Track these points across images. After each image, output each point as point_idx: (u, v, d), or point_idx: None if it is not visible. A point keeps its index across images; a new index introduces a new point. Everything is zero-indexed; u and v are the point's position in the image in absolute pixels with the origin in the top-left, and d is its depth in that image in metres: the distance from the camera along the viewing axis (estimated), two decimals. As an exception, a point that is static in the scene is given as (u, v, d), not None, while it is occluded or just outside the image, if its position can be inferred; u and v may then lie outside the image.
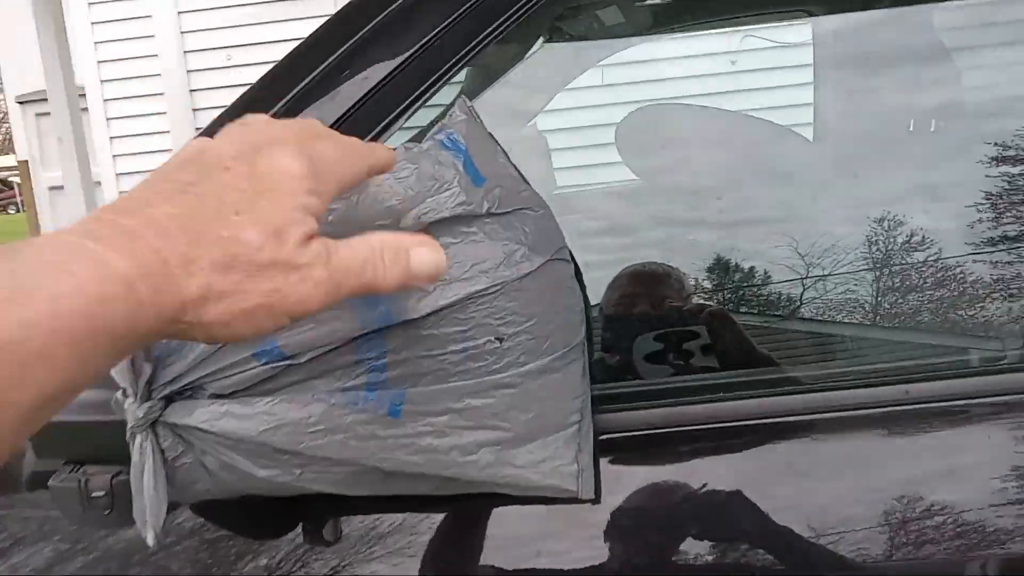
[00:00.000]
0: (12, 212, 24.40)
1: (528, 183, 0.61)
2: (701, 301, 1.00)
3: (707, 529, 0.62)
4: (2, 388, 0.28)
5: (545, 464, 0.59)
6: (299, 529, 0.64)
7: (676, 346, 0.88)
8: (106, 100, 4.47)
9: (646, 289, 0.96)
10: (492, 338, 0.56)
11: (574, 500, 0.61)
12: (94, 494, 0.58)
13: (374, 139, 0.64)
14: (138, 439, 0.54)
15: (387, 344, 0.55)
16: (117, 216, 0.34)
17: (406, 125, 0.67)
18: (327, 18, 0.70)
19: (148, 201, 0.35)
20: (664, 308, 0.94)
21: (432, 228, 0.54)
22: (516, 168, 0.61)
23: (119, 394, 0.56)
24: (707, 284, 1.03)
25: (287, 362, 0.54)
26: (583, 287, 0.66)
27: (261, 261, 0.35)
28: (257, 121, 0.42)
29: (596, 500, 0.62)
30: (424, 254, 0.41)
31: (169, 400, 0.55)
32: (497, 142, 0.62)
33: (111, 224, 0.34)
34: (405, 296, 0.54)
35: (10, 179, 22.01)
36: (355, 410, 0.55)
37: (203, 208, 0.35)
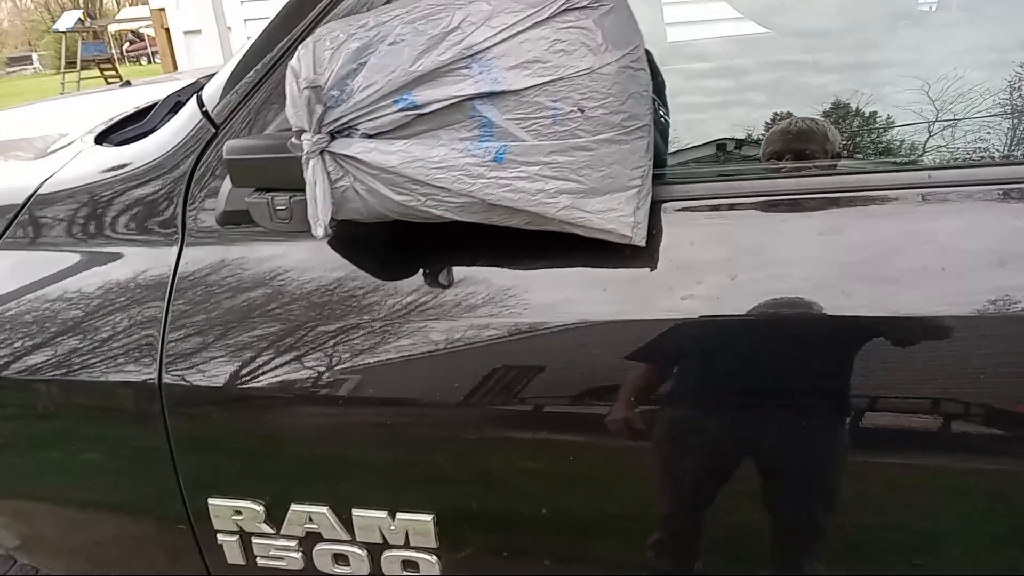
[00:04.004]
0: (144, 63, 25.64)
1: None
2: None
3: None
4: None
5: (610, 213, 0.75)
6: (420, 273, 0.85)
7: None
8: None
9: (796, 147, 1.01)
10: (576, 109, 0.72)
11: (627, 246, 0.78)
12: (279, 208, 0.81)
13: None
14: (311, 163, 0.74)
15: (495, 106, 0.72)
16: None
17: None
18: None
19: None
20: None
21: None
22: None
23: (294, 138, 0.77)
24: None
25: (417, 111, 0.72)
26: (660, 81, 0.78)
27: None
28: None
29: (645, 247, 0.79)
30: None
31: (333, 136, 0.74)
32: None
33: None
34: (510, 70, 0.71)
35: (141, 30, 22.97)
36: (468, 154, 0.72)
37: None
